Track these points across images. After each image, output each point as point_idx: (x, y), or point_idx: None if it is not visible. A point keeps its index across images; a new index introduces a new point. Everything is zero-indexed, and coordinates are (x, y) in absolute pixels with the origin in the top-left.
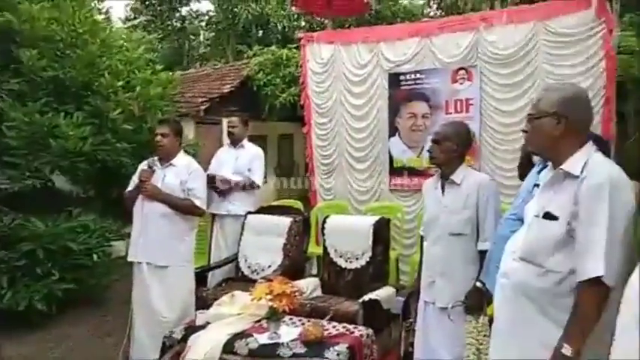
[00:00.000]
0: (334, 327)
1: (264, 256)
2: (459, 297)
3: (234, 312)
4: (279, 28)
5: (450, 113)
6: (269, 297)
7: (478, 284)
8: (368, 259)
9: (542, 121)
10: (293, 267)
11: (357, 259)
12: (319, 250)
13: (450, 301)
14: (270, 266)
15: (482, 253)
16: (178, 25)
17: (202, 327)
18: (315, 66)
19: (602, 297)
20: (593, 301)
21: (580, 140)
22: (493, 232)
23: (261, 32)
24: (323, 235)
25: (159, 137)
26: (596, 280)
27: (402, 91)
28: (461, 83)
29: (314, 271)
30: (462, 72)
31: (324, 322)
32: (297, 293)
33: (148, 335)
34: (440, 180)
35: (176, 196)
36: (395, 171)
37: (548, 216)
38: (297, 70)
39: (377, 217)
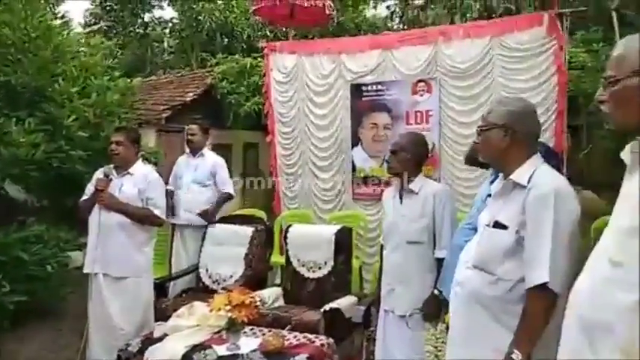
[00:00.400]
0: (295, 337)
1: (225, 266)
2: (417, 305)
3: (192, 323)
4: (244, 36)
5: (411, 124)
6: (228, 307)
7: (435, 292)
8: (330, 269)
9: (491, 133)
10: (255, 277)
11: (319, 268)
12: (282, 260)
13: (408, 308)
14: (231, 276)
15: (440, 261)
16: (141, 31)
17: (160, 339)
18: (279, 75)
19: (549, 303)
20: (540, 307)
21: (527, 152)
22: (450, 240)
23: (225, 40)
24: (286, 244)
25: (114, 145)
26: (543, 287)
27: (364, 101)
28: (421, 95)
29: (277, 281)
30: (421, 84)
31: (285, 332)
32: (257, 303)
33: (104, 349)
34: (398, 189)
35: (134, 205)
36: (358, 180)
37: (498, 225)
38: (261, 79)
39: (339, 226)
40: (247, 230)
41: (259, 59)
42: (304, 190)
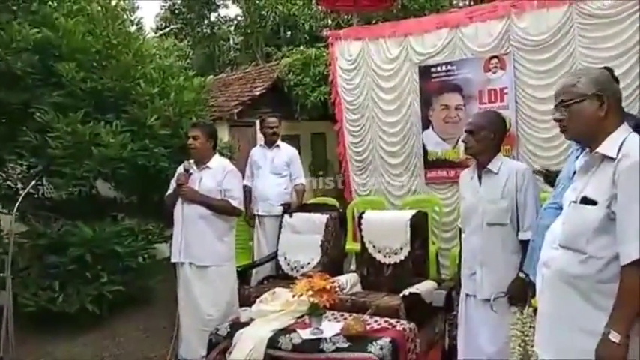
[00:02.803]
0: (376, 321)
1: (302, 253)
2: (501, 288)
3: (276, 308)
4: (307, 28)
5: (484, 103)
6: (310, 293)
7: (521, 274)
8: (407, 254)
9: (583, 105)
10: (332, 264)
11: (395, 253)
12: (357, 247)
13: (491, 292)
14: (309, 263)
15: (524, 243)
16: (208, 31)
17: (246, 323)
18: (344, 63)
19: None
20: (636, 285)
21: (617, 120)
22: (534, 221)
23: (289, 33)
24: (360, 230)
25: (191, 140)
26: (638, 263)
27: (433, 83)
28: (494, 72)
29: (352, 268)
30: (494, 61)
31: (366, 317)
32: (337, 288)
33: (194, 333)
34: (476, 170)
35: (213, 197)
36: (430, 164)
37: (586, 201)
38: (326, 68)
39: (414, 211)
40: (322, 218)
41: (323, 49)
42: (375, 177)
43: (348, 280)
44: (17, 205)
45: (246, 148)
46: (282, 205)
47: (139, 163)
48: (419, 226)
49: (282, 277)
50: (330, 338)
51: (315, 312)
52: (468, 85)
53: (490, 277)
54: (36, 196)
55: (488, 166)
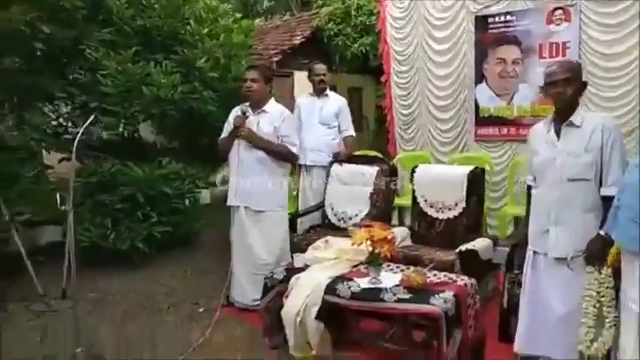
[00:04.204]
0: (435, 275)
1: (350, 205)
2: (577, 247)
3: (331, 256)
4: None
5: (544, 57)
6: (370, 242)
7: (601, 232)
8: (461, 210)
9: None
10: (380, 216)
11: (449, 209)
12: (404, 201)
13: (566, 251)
14: (357, 215)
15: (605, 200)
16: None
17: (301, 269)
18: (395, 10)
19: None
20: None
21: None
22: (619, 176)
23: None
24: (412, 184)
25: (249, 83)
26: None
27: (490, 34)
28: (557, 24)
29: (395, 222)
30: (558, 12)
31: (426, 270)
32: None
33: (247, 277)
34: (553, 123)
35: (271, 141)
36: (481, 120)
37: None
38: (368, 18)
39: (471, 167)
40: (372, 170)
41: None
42: (421, 132)
43: (399, 234)
44: (76, 142)
45: (285, 98)
46: (334, 156)
47: (189, 105)
48: (476, 183)
49: (328, 227)
50: (390, 289)
51: (374, 262)
52: (527, 37)
53: (566, 235)
54: (84, 135)
55: (571, 119)
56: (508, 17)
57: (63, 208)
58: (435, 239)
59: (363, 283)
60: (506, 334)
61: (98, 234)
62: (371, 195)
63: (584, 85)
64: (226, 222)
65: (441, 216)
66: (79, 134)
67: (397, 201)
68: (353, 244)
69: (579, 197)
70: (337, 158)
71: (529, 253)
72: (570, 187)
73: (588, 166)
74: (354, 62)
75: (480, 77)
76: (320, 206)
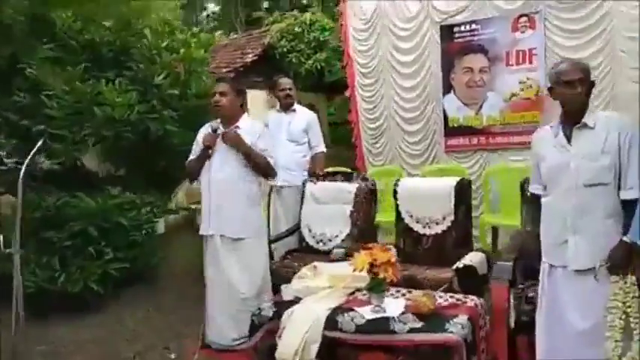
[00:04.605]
0: (441, 297)
1: (329, 225)
2: (599, 256)
3: (325, 285)
4: None
5: (511, 65)
6: (372, 267)
7: (625, 239)
8: (449, 224)
9: None
10: (363, 235)
11: (436, 224)
12: (382, 217)
13: (587, 261)
14: (337, 236)
15: (627, 204)
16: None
17: (293, 302)
18: (357, 22)
19: None
20: None
21: None
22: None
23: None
24: (395, 199)
25: (217, 97)
26: None
27: (456, 44)
28: (522, 32)
29: (380, 239)
30: (523, 19)
31: (435, 293)
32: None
33: (225, 314)
34: (561, 126)
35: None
36: (451, 131)
37: None
38: (322, 34)
39: (457, 178)
40: (351, 187)
41: (318, 14)
42: (390, 145)
43: None
44: (21, 174)
45: None
46: (310, 175)
47: (146, 126)
48: (463, 195)
49: (307, 251)
50: (398, 318)
51: (377, 288)
52: (493, 45)
53: (586, 244)
54: (29, 165)
55: (584, 120)
56: (473, 26)
57: (7, 251)
58: (423, 256)
59: (367, 313)
60: (515, 355)
61: (45, 277)
62: (351, 213)
63: (593, 84)
64: (183, 252)
65: (428, 231)
66: (25, 164)
67: (384, 217)
68: (354, 270)
69: (598, 203)
70: (311, 176)
71: (544, 267)
72: (587, 193)
73: (606, 169)
74: (309, 79)
75: (447, 87)
76: (295, 229)
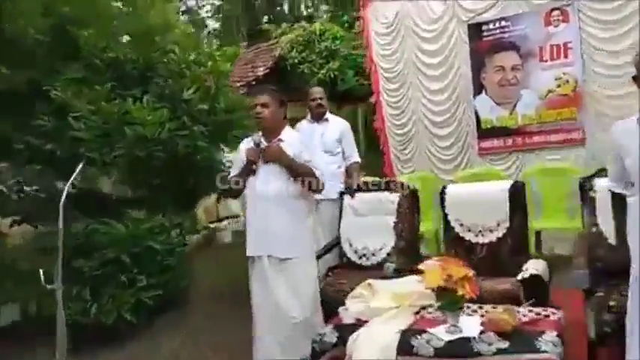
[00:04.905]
0: (517, 312)
1: (371, 238)
2: None
3: (391, 305)
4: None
5: (546, 61)
6: (448, 283)
7: None
8: (505, 231)
9: None
10: (408, 248)
11: (490, 231)
12: (427, 227)
13: None
14: (381, 249)
15: None
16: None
17: (355, 325)
18: (379, 26)
19: None
20: None
21: None
22: None
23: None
24: (442, 208)
25: (259, 109)
26: None
27: (485, 42)
28: (556, 26)
29: (422, 251)
30: (555, 13)
31: (517, 308)
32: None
33: (275, 339)
34: None
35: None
36: (484, 133)
37: None
38: (333, 43)
39: (510, 181)
40: (392, 197)
41: (327, 24)
42: (419, 151)
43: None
44: (62, 199)
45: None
46: (347, 189)
47: (176, 143)
48: (518, 198)
49: (350, 267)
50: (479, 337)
51: (453, 306)
52: (525, 42)
53: None
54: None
55: None
56: (503, 23)
57: (50, 287)
58: (476, 267)
59: (442, 334)
60: None
61: (78, 309)
62: (395, 225)
63: None
64: (208, 272)
65: (481, 240)
66: (66, 189)
67: (429, 227)
68: (427, 288)
69: None
70: (349, 189)
71: (634, 274)
72: None
73: None
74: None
75: (478, 88)
76: (334, 244)
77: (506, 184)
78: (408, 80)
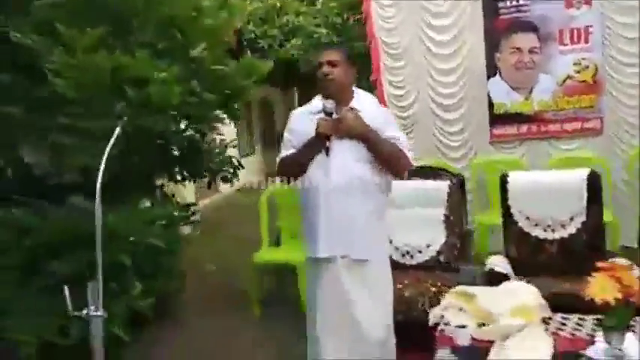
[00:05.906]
0: None
1: (415, 234)
2: None
3: (520, 323)
4: None
5: (566, 45)
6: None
7: None
8: (579, 226)
9: None
10: (460, 244)
11: (562, 226)
12: (493, 219)
13: None
14: (429, 246)
15: None
16: None
17: (474, 348)
18: None
19: None
20: None
21: None
22: None
23: None
24: (505, 199)
25: (327, 68)
26: None
27: (501, 21)
28: (577, 8)
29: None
30: None
31: None
32: None
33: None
34: None
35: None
36: (497, 118)
37: None
38: (297, 18)
39: (587, 170)
40: (441, 185)
41: None
42: (424, 136)
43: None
44: (99, 181)
45: None
46: None
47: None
48: (595, 189)
49: (393, 267)
50: None
51: (621, 322)
52: (545, 23)
53: None
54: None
55: None
56: (521, 1)
57: (84, 314)
58: (547, 267)
59: (603, 358)
60: None
61: (52, 326)
62: (447, 218)
63: None
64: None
65: (551, 236)
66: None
67: (490, 219)
68: (591, 299)
69: None
70: None
71: None
72: None
73: None
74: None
75: (492, 70)
76: None
77: (584, 172)
78: (413, 58)
